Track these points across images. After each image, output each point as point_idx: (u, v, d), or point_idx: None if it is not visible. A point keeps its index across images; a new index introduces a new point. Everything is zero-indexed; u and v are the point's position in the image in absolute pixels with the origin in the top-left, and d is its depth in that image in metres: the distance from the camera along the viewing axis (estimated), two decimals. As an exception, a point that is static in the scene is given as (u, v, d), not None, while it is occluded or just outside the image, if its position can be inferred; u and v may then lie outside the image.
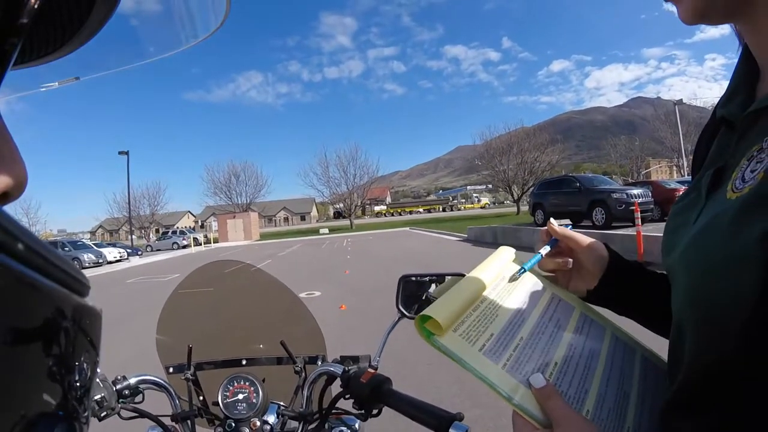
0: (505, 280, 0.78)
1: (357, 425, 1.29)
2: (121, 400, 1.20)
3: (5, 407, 0.22)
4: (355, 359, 1.22)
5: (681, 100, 48.86)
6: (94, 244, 36.64)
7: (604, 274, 0.83)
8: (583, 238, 0.86)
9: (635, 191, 16.86)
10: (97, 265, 29.56)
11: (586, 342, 0.71)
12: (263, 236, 55.36)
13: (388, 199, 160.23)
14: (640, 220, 10.51)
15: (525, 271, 0.81)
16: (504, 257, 0.84)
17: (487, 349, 0.61)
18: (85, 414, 0.31)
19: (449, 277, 1.11)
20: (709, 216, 0.55)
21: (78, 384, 0.29)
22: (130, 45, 0.56)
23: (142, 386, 1.25)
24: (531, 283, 0.81)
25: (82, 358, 0.30)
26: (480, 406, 3.87)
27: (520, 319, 0.69)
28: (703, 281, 0.52)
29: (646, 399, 0.68)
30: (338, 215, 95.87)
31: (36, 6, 0.30)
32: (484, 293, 0.71)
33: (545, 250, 0.84)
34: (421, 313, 0.63)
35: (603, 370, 0.67)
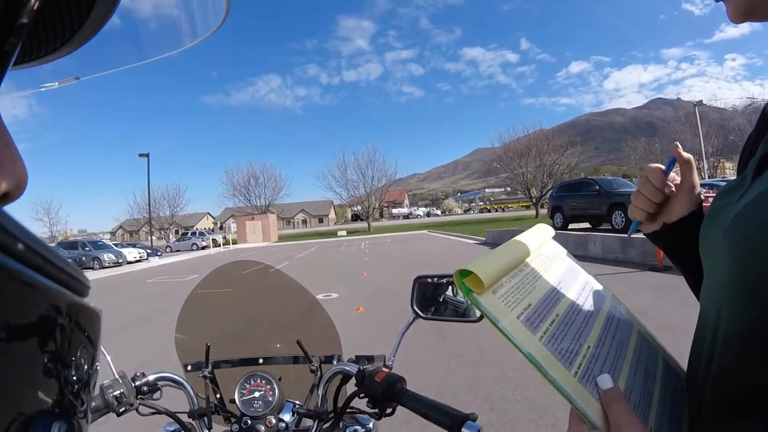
0: (543, 255, 0.77)
1: (371, 424, 1.30)
2: (139, 397, 1.23)
3: (2, 405, 0.22)
4: (370, 359, 1.23)
5: (701, 101, 47.86)
6: (114, 244, 37.14)
7: (687, 215, 0.83)
8: (694, 176, 0.84)
9: (655, 194, 16.49)
10: (117, 265, 29.94)
11: (616, 333, 0.71)
12: (281, 238, 55.68)
13: (407, 202, 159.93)
14: (660, 223, 10.29)
15: (636, 226, 0.90)
16: (544, 233, 0.83)
17: (524, 318, 0.60)
18: (84, 412, 0.31)
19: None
20: (755, 193, 0.55)
21: (77, 383, 0.29)
22: (130, 45, 0.57)
23: (160, 383, 1.28)
24: (566, 264, 0.81)
25: (81, 358, 0.30)
26: (496, 410, 3.86)
27: (555, 296, 0.68)
28: (749, 254, 0.52)
29: (666, 402, 0.67)
30: (356, 218, 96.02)
31: (36, 6, 0.31)
32: (526, 261, 0.70)
33: (659, 169, 0.85)
34: (463, 268, 0.61)
35: (630, 365, 0.67)
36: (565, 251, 0.85)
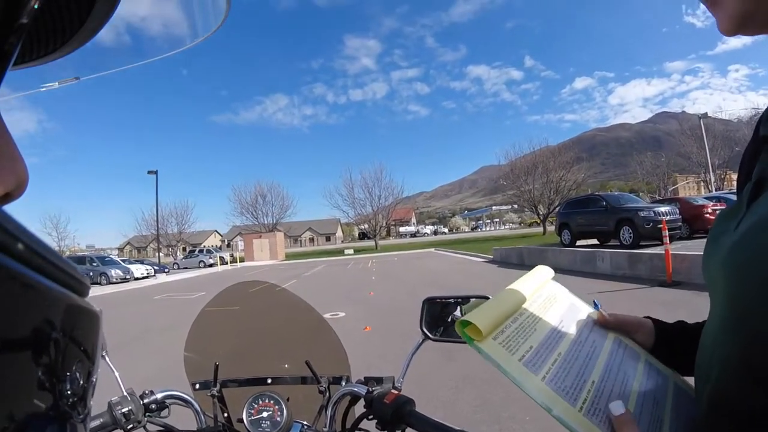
0: (543, 297, 0.80)
1: None
2: (147, 414, 1.23)
3: (1, 402, 0.22)
4: (379, 380, 1.22)
5: (706, 113, 47.72)
6: (121, 260, 37.32)
7: (653, 347, 0.84)
8: (630, 322, 0.86)
9: (663, 209, 16.55)
10: (125, 281, 30.08)
11: (621, 365, 0.72)
12: (289, 256, 55.63)
13: (414, 220, 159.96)
14: (668, 238, 10.26)
15: (597, 308, 0.87)
16: (542, 275, 0.86)
17: (526, 360, 0.63)
18: (83, 415, 0.31)
19: (474, 300, 1.11)
20: (752, 220, 0.55)
21: (76, 385, 0.29)
22: (130, 45, 0.58)
23: (168, 401, 1.28)
24: (567, 303, 0.83)
25: (81, 359, 0.30)
26: (505, 430, 3.81)
27: (557, 336, 0.71)
28: (742, 282, 0.52)
29: (680, 427, 0.68)
30: (363, 236, 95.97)
31: (36, 6, 0.30)
32: (523, 306, 0.73)
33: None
34: (462, 318, 0.65)
35: (637, 396, 0.68)
36: (566, 290, 0.87)
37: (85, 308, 0.30)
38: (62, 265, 0.27)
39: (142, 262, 38.06)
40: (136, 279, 31.36)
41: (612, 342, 0.78)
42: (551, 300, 0.81)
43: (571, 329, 0.75)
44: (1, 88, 0.31)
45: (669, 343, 0.83)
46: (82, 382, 0.30)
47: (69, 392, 0.28)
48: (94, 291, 24.05)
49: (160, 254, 41.85)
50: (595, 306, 0.91)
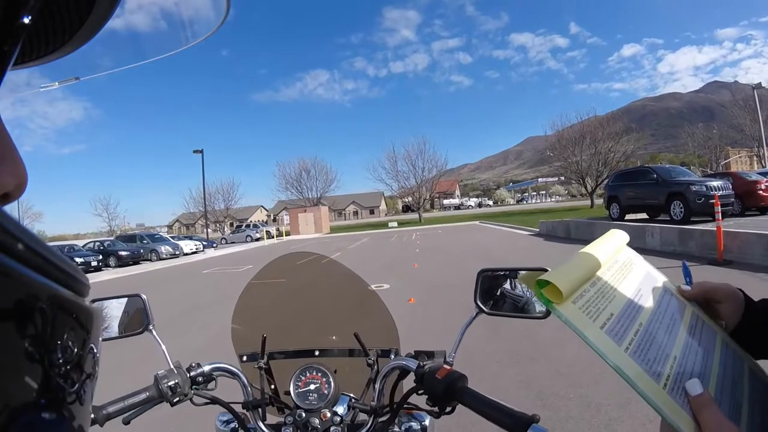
0: (619, 263, 0.74)
1: (427, 421, 1.27)
2: (194, 387, 1.24)
3: None
4: (430, 354, 1.19)
5: (760, 83, 44.72)
6: (171, 237, 38.51)
7: (740, 322, 0.77)
8: (720, 289, 0.79)
9: (715, 183, 15.84)
10: (174, 256, 30.98)
11: (700, 342, 0.67)
12: (333, 229, 56.38)
13: (458, 192, 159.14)
14: (720, 214, 9.87)
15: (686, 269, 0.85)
16: (617, 240, 0.80)
17: (608, 329, 0.59)
18: (84, 409, 0.31)
19: (527, 272, 1.06)
20: None
21: (73, 381, 0.29)
22: (130, 45, 0.57)
23: (215, 374, 1.29)
24: (644, 270, 0.78)
25: (77, 355, 0.30)
26: (548, 407, 3.79)
27: (637, 305, 0.66)
28: None
29: (756, 412, 0.63)
30: (407, 209, 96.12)
31: (36, 6, 0.31)
32: (600, 272, 0.68)
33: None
34: (541, 277, 0.60)
35: (717, 375, 0.63)
36: (641, 257, 0.82)
37: (82, 306, 0.31)
38: (62, 265, 0.28)
39: (191, 238, 39.15)
40: (186, 255, 32.23)
41: (691, 315, 0.73)
42: (628, 266, 0.76)
43: (650, 298, 0.70)
44: (1, 88, 0.31)
45: (754, 325, 0.76)
46: (81, 381, 0.30)
47: (68, 391, 0.28)
48: (145, 267, 24.97)
49: (208, 230, 42.75)
50: (684, 267, 0.86)
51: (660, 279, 0.79)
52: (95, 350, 0.34)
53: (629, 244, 0.82)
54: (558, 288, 0.58)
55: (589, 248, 0.72)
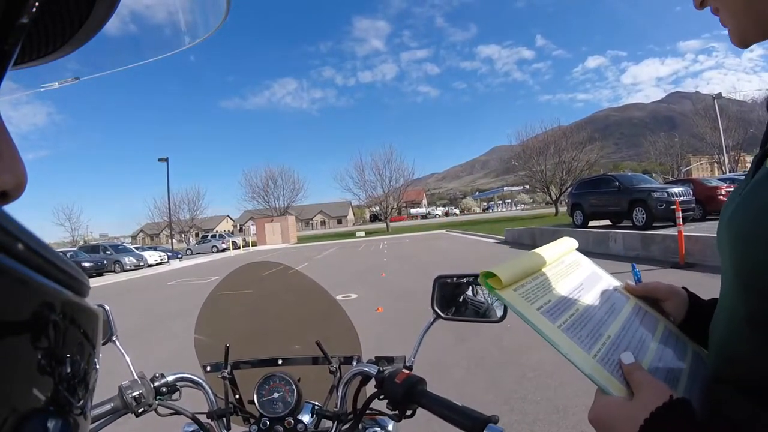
0: (565, 263, 0.84)
1: (390, 426, 1.29)
2: (158, 397, 1.24)
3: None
4: (390, 360, 1.22)
5: (720, 93, 46.45)
6: (135, 247, 37.59)
7: (684, 319, 0.83)
8: (661, 289, 0.86)
9: (676, 190, 16.29)
10: (138, 267, 30.25)
11: (639, 328, 0.75)
12: (300, 239, 55.88)
13: (425, 201, 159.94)
14: (681, 219, 10.12)
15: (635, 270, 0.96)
16: (566, 245, 0.90)
17: (544, 310, 0.67)
18: (82, 408, 0.30)
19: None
20: (756, 179, 0.58)
21: (74, 382, 0.29)
22: (130, 45, 0.58)
23: (179, 384, 1.28)
24: (589, 271, 0.87)
25: (79, 357, 0.29)
26: (516, 411, 3.83)
27: (576, 296, 0.75)
28: (744, 243, 0.55)
29: (695, 385, 0.68)
30: (374, 218, 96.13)
31: (36, 6, 0.30)
32: (544, 269, 0.77)
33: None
34: (486, 270, 0.69)
35: (654, 354, 0.70)
36: (589, 261, 0.91)
37: (85, 307, 0.30)
38: (62, 265, 0.27)
39: (155, 249, 38.27)
40: (150, 266, 31.53)
41: (632, 307, 0.81)
42: (573, 266, 0.85)
43: (591, 292, 0.78)
44: (1, 88, 0.31)
45: (702, 318, 0.80)
46: (80, 379, 0.30)
47: (68, 390, 0.28)
48: (109, 278, 24.38)
49: (173, 240, 42.10)
50: (633, 269, 0.95)
51: (606, 278, 0.88)
52: (97, 352, 0.33)
53: (592, 250, 0.89)
54: (499, 277, 0.67)
55: (537, 250, 0.81)
